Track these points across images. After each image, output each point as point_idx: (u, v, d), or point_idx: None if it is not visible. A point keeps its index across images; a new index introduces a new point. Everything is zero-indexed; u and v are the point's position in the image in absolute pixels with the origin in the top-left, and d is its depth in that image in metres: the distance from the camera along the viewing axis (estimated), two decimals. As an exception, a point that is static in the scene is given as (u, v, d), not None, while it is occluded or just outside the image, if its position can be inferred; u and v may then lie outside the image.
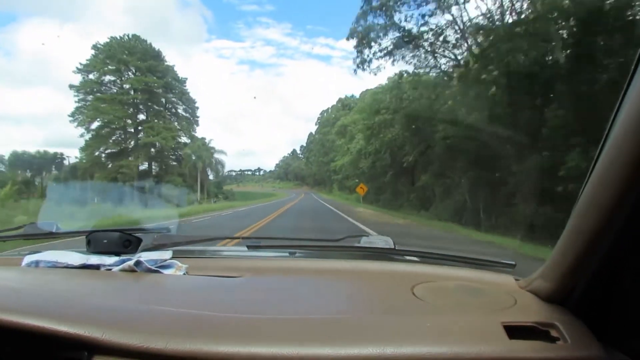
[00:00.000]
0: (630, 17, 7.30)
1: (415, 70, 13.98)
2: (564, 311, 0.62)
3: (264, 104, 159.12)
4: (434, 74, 14.43)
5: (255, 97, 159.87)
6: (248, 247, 1.07)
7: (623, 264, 0.55)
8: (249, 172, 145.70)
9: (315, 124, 68.30)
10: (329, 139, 55.92)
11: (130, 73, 37.85)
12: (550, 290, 0.65)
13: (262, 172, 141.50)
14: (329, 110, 62.90)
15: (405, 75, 14.20)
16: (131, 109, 38.19)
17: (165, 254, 0.94)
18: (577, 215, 0.54)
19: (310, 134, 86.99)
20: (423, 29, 12.17)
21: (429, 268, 0.91)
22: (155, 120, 38.03)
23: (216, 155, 41.62)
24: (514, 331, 0.55)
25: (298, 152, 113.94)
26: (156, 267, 0.87)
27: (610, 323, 0.60)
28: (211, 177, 42.39)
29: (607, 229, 0.50)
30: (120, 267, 0.87)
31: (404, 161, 16.56)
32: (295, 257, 1.07)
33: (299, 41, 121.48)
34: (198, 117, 41.73)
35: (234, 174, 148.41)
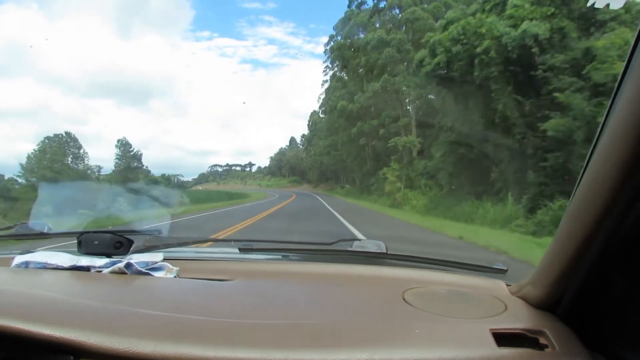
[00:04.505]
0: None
1: None
2: (553, 318, 0.62)
3: (265, 104, 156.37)
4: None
5: (244, 103, 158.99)
6: (240, 249, 1.06)
7: (614, 270, 0.55)
8: (238, 168, 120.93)
9: (325, 53, 31.50)
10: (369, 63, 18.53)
11: None
12: (540, 296, 0.64)
13: (254, 168, 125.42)
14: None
15: None
16: None
17: (157, 256, 0.91)
18: (567, 220, 0.54)
19: (314, 112, 61.67)
20: None
21: (420, 273, 0.89)
22: None
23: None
24: (503, 338, 0.55)
25: (298, 141, 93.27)
26: (147, 270, 0.85)
27: (600, 330, 0.59)
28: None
29: (597, 234, 0.50)
30: (111, 269, 0.85)
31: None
32: (287, 261, 1.05)
33: (302, 40, 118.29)
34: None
35: (220, 169, 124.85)
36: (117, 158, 38.74)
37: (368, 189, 25.44)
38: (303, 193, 43.73)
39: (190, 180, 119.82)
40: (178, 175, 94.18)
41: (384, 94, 21.69)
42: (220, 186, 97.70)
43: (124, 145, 38.78)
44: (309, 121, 71.10)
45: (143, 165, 42.11)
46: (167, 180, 52.15)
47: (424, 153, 18.76)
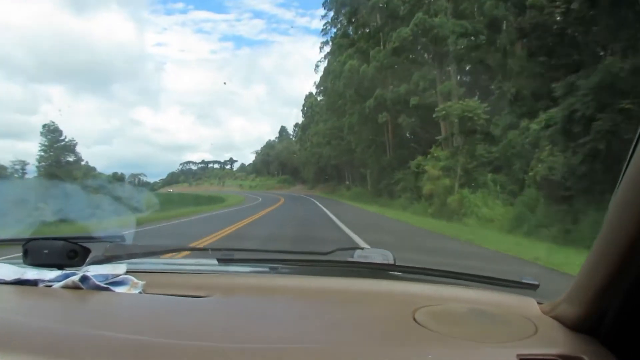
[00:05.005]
0: None
1: None
2: (593, 341, 0.62)
3: (251, 89, 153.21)
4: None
5: (225, 83, 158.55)
6: (219, 260, 1.07)
7: None
8: (216, 166, 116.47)
9: (324, 5, 26.26)
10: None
11: None
12: (577, 316, 0.64)
13: (236, 165, 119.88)
14: None
15: None
16: None
17: (118, 268, 0.91)
18: (607, 227, 0.53)
19: (309, 94, 60.13)
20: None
21: (434, 288, 0.89)
22: None
23: None
24: None
25: (290, 132, 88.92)
26: (106, 284, 0.85)
27: None
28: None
29: None
30: (63, 283, 0.84)
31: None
32: (275, 274, 1.06)
33: (294, 13, 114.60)
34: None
35: (194, 167, 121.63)
36: (42, 150, 33.08)
37: (389, 190, 20.32)
38: (295, 197, 38.47)
39: (158, 180, 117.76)
40: (139, 174, 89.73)
41: (416, 44, 16.48)
42: (192, 188, 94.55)
43: (51, 132, 33.20)
44: (303, 106, 67.92)
45: (82, 160, 36.56)
46: (120, 181, 46.72)
47: (476, 133, 13.57)
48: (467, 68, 18.52)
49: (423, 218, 12.29)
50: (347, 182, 41.66)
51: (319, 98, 51.07)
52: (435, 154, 14.59)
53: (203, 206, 23.17)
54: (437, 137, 14.28)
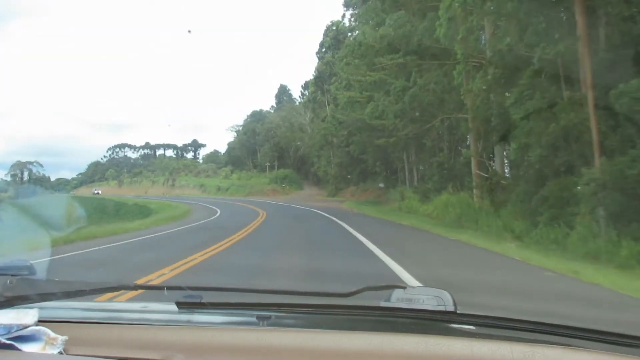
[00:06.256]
0: None
1: None
2: None
3: (228, 24, 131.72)
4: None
5: (190, 32, 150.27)
6: (180, 305, 1.11)
7: None
8: (171, 153, 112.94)
9: None
10: None
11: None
12: None
13: (203, 151, 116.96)
14: None
15: None
16: None
17: (27, 316, 0.95)
18: None
19: (334, 23, 58.16)
20: None
21: (524, 351, 0.88)
22: None
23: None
24: None
25: (294, 96, 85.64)
26: (8, 340, 0.89)
27: None
28: None
29: None
30: None
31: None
32: (268, 326, 1.08)
33: None
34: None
35: (133, 155, 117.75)
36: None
37: None
38: (299, 214, 29.21)
39: (76, 175, 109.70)
40: (30, 163, 79.42)
41: None
42: (123, 189, 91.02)
43: None
44: (321, 45, 62.64)
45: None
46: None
47: None
48: None
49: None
50: (415, 185, 30.83)
51: (347, 23, 41.18)
52: None
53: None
54: None
